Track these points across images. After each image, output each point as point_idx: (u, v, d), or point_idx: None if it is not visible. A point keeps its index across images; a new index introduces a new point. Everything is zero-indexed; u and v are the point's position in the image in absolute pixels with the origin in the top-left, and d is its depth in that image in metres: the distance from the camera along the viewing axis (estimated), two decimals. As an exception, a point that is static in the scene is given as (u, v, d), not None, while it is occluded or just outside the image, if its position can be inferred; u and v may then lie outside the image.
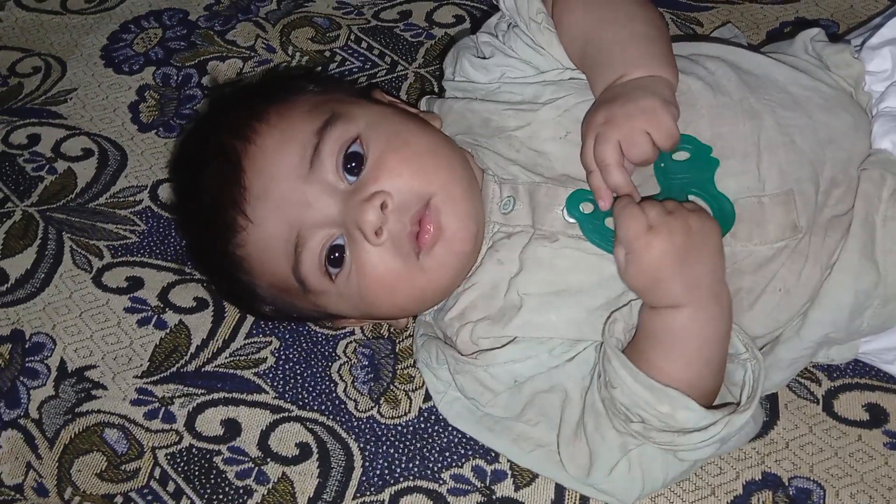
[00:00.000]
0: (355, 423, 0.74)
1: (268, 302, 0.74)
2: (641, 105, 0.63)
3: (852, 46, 0.71)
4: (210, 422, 0.75)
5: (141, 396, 0.76)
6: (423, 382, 0.75)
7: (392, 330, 0.79)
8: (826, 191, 0.65)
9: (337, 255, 0.68)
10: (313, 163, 0.67)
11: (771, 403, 0.72)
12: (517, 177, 0.70)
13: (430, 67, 0.99)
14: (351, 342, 0.79)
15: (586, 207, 0.66)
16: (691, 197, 0.64)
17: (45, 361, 0.79)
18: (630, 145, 0.63)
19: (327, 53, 1.02)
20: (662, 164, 0.65)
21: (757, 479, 0.68)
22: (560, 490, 0.69)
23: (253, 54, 1.03)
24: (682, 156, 0.65)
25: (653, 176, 0.66)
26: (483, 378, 0.68)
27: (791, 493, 0.67)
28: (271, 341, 0.80)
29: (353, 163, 0.68)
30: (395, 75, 0.99)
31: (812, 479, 0.68)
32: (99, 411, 0.75)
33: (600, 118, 0.64)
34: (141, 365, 0.78)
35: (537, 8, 0.71)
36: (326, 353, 0.79)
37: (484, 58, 0.74)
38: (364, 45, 1.03)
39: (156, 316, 0.82)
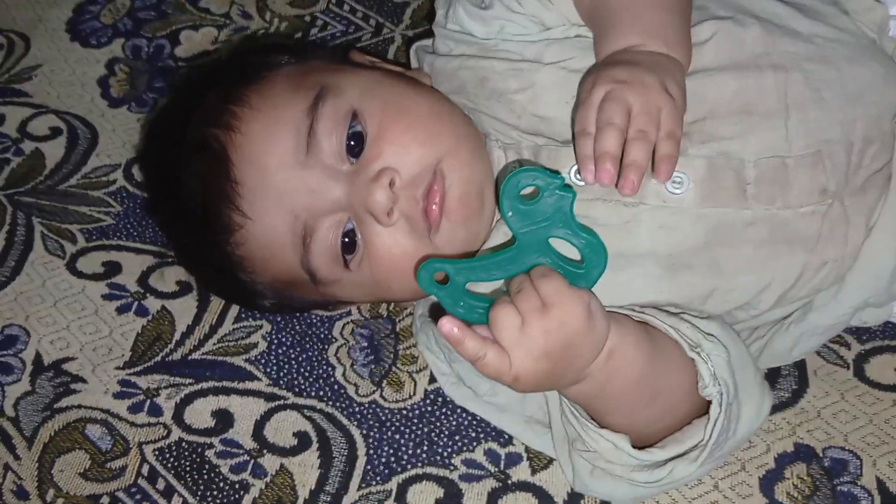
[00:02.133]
0: (357, 409, 0.69)
1: (268, 297, 0.68)
2: (665, 85, 0.56)
3: (874, -10, 0.66)
4: (200, 413, 0.69)
5: (124, 389, 0.71)
6: (428, 363, 0.70)
7: (392, 308, 0.74)
8: (861, 150, 0.61)
9: (347, 240, 0.62)
10: (310, 146, 0.61)
11: (800, 371, 0.68)
12: (519, 141, 0.64)
13: (419, 29, 0.93)
14: (348, 323, 0.74)
15: (440, 277, 0.54)
16: (552, 240, 0.53)
17: (20, 355, 0.73)
18: (642, 113, 0.56)
19: (307, 18, 0.96)
20: (510, 214, 0.52)
21: (789, 451, 0.64)
22: (579, 471, 0.64)
23: (228, 21, 0.97)
24: (531, 191, 0.52)
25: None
26: None
27: (826, 464, 0.63)
28: (262, 325, 0.74)
29: (353, 141, 0.62)
30: (381, 38, 0.93)
31: (847, 448, 0.64)
32: (80, 406, 0.70)
33: (621, 74, 0.57)
34: (122, 355, 0.73)
35: None
36: (322, 336, 0.73)
37: (483, 6, 0.68)
38: (346, 7, 0.97)
39: (136, 302, 0.76)
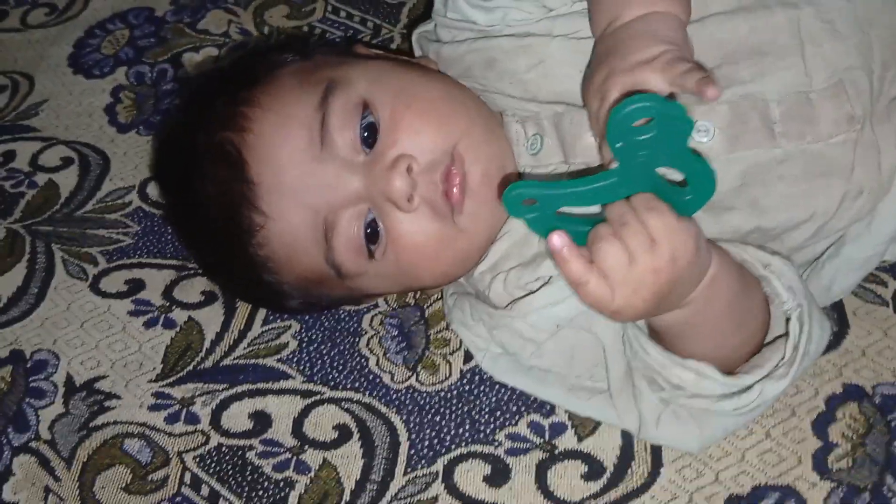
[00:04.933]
0: (394, 396, 0.68)
1: (295, 297, 0.68)
2: (640, 56, 0.55)
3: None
4: (237, 417, 0.69)
5: (159, 401, 0.70)
6: (461, 344, 0.69)
7: (418, 296, 0.74)
8: (880, 76, 0.60)
9: (370, 231, 0.62)
10: (324, 140, 0.61)
11: (839, 313, 0.67)
12: (538, 112, 0.64)
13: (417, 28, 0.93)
14: (376, 315, 0.74)
15: (528, 204, 0.52)
16: (660, 170, 0.51)
17: (51, 378, 0.73)
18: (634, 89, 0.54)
19: (305, 28, 0.97)
20: (620, 144, 0.49)
21: (838, 392, 0.63)
22: (627, 436, 0.63)
23: (227, 40, 0.97)
24: (644, 125, 0.49)
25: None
26: (522, 329, 0.63)
27: (877, 401, 0.62)
28: (290, 325, 0.74)
29: (366, 132, 0.62)
30: (381, 39, 0.94)
31: (896, 383, 0.63)
32: (115, 422, 0.69)
33: (599, 78, 0.56)
34: (154, 368, 0.72)
35: None
36: (352, 329, 0.73)
37: None
38: (343, 14, 0.98)
39: (163, 315, 0.76)
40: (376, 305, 0.74)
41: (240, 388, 0.70)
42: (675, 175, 0.51)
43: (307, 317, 0.74)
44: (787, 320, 0.57)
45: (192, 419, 0.69)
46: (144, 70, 0.97)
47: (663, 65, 0.54)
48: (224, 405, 0.70)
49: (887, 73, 0.60)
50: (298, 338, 0.73)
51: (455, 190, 0.61)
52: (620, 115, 0.48)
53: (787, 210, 0.60)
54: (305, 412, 0.68)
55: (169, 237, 0.81)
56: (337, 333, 0.73)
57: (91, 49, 1.00)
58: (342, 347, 0.72)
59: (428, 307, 0.73)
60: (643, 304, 0.51)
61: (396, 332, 0.72)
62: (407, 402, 0.68)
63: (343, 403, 0.68)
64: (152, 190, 0.85)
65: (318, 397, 0.69)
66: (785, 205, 0.60)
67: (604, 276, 0.50)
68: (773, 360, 0.56)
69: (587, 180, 0.51)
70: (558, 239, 0.49)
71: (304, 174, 0.61)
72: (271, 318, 0.74)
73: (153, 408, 0.70)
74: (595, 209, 0.53)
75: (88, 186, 0.86)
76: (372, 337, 0.72)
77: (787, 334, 0.57)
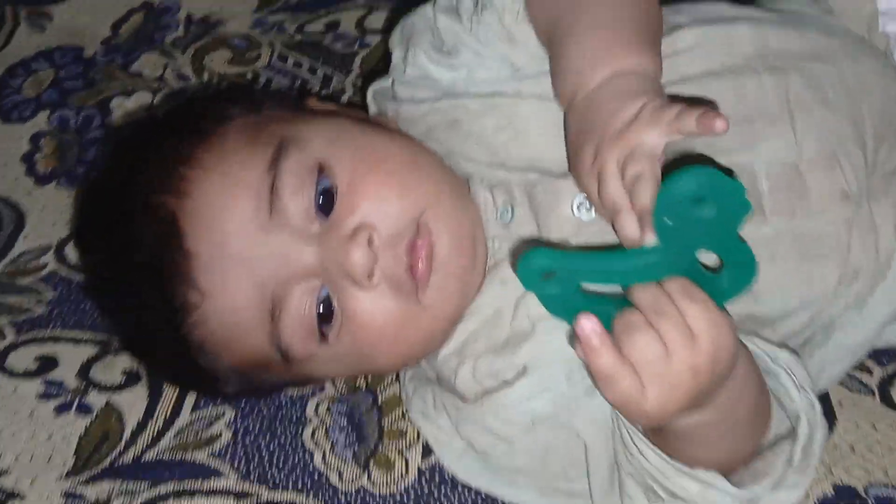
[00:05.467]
0: (343, 500, 0.60)
1: (233, 383, 0.60)
2: (621, 117, 0.49)
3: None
4: (160, 523, 0.60)
5: (69, 501, 0.61)
6: (419, 436, 0.62)
7: (370, 379, 0.66)
8: (874, 149, 0.56)
9: (322, 310, 0.55)
10: (273, 207, 0.54)
11: (824, 404, 0.61)
12: (509, 180, 0.58)
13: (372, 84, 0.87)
14: (322, 400, 0.66)
15: (547, 278, 0.45)
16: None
17: (-58, 474, 0.63)
18: (630, 161, 0.47)
19: (249, 75, 0.90)
20: (671, 222, 0.44)
21: (829, 494, 0.58)
22: (605, 545, 0.56)
23: (163, 85, 0.90)
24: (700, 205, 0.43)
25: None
26: (494, 425, 0.56)
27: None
28: (224, 412, 0.66)
29: (322, 197, 0.55)
30: (331, 90, 0.87)
31: (891, 484, 0.58)
32: (17, 528, 0.60)
33: (587, 156, 0.50)
34: (65, 462, 0.63)
35: None
36: (294, 418, 0.65)
37: (445, 50, 0.61)
38: (291, 61, 0.91)
39: (77, 399, 0.67)
40: (322, 388, 0.66)
41: (164, 488, 0.62)
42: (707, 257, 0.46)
43: (243, 403, 0.66)
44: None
45: (108, 525, 0.60)
46: (69, 115, 0.88)
47: (650, 116, 0.48)
48: (145, 507, 0.61)
49: (881, 146, 0.56)
50: (233, 427, 0.65)
51: (421, 264, 0.54)
52: (678, 191, 0.42)
53: (781, 296, 0.55)
54: (240, 517, 0.60)
55: (88, 307, 0.72)
56: (277, 423, 0.65)
57: (11, 91, 0.91)
58: (283, 439, 0.64)
59: (381, 391, 0.66)
60: (676, 407, 0.44)
61: (346, 422, 0.64)
62: (357, 505, 0.60)
63: (283, 507, 0.60)
64: (71, 251, 0.76)
65: (253, 499, 0.61)
66: (778, 290, 0.54)
67: (635, 373, 0.43)
68: (777, 466, 0.51)
69: (618, 256, 0.45)
70: (588, 324, 0.43)
71: (249, 245, 0.54)
72: (202, 403, 0.66)
73: (62, 510, 0.61)
74: (616, 287, 0.47)
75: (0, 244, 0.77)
76: (317, 427, 0.64)
77: (789, 436, 0.51)
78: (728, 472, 0.51)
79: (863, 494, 0.58)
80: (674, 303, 0.44)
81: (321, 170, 0.55)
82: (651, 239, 0.44)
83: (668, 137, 0.47)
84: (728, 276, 0.45)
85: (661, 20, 0.56)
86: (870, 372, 0.64)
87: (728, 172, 0.43)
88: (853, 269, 0.55)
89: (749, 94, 0.56)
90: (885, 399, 0.62)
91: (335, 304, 0.55)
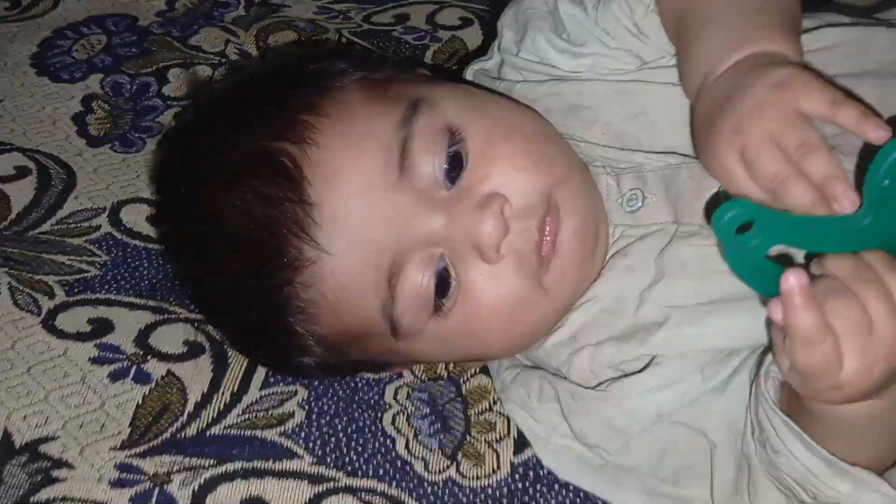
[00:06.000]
0: (429, 490, 0.56)
1: (316, 355, 0.56)
2: (764, 84, 0.47)
3: None
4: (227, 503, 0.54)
5: (123, 475, 0.55)
6: (509, 430, 0.58)
7: (452, 368, 0.62)
8: None
9: (440, 281, 0.52)
10: (403, 166, 0.51)
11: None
12: (642, 164, 0.55)
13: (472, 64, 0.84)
14: (402, 386, 0.61)
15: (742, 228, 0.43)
16: None
17: (-17, 433, 0.57)
18: (789, 129, 0.45)
19: (317, 58, 0.87)
20: (888, 182, 0.42)
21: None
22: (713, 554, 0.53)
23: (224, 60, 0.86)
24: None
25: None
26: (613, 417, 0.52)
27: None
28: (296, 390, 0.61)
29: (450, 163, 0.52)
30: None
31: None
32: (65, 499, 0.54)
33: (724, 134, 0.47)
34: (119, 432, 0.58)
35: None
36: (372, 402, 0.60)
37: (568, 38, 0.59)
38: (359, 48, 0.88)
39: (135, 366, 0.61)
40: (401, 375, 0.62)
41: (231, 466, 0.56)
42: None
43: (316, 382, 0.61)
44: None
45: (168, 502, 0.54)
46: (123, 81, 0.84)
47: (804, 83, 0.46)
48: (210, 486, 0.55)
49: None
50: (306, 408, 0.60)
51: (548, 242, 0.51)
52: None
53: None
54: (315, 502, 0.55)
55: (146, 272, 0.67)
56: (354, 406, 0.60)
57: (60, 51, 0.87)
58: (361, 423, 0.59)
59: (465, 382, 0.62)
60: (872, 384, 0.42)
61: (428, 410, 0.60)
62: (446, 498, 0.55)
63: (364, 494, 0.55)
64: (127, 215, 0.72)
65: (331, 484, 0.56)
66: None
67: (836, 339, 0.41)
68: None
69: (824, 220, 0.43)
70: (797, 279, 0.40)
71: (375, 203, 0.51)
72: (272, 379, 0.61)
73: (116, 483, 0.55)
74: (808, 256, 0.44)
75: (48, 203, 0.72)
76: (398, 413, 0.60)
77: None
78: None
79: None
80: (878, 274, 0.41)
81: (454, 134, 0.52)
82: (853, 203, 0.42)
83: (823, 115, 0.45)
84: None
85: (800, 10, 0.55)
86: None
87: None
88: None
89: (890, 99, 0.54)
90: None
91: (453, 275, 0.52)
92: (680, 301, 0.52)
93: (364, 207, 0.51)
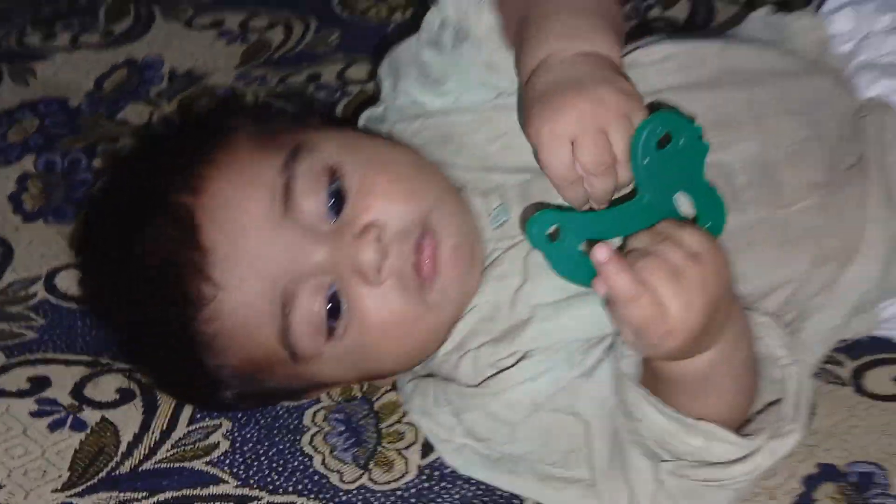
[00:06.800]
0: (344, 498, 0.61)
1: (233, 386, 0.61)
2: (614, 89, 0.53)
3: (809, 12, 0.70)
4: (160, 530, 0.60)
5: (64, 513, 0.61)
6: (417, 437, 0.64)
7: (365, 388, 0.68)
8: (833, 147, 0.62)
9: (331, 306, 0.57)
10: (287, 205, 0.57)
11: (803, 393, 0.66)
12: (503, 183, 0.62)
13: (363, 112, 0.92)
14: (319, 409, 0.67)
15: (553, 234, 0.51)
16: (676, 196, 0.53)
17: (-68, 491, 0.62)
18: (621, 132, 0.51)
19: (235, 120, 0.94)
20: (647, 160, 0.51)
21: (814, 472, 0.61)
22: (603, 529, 0.58)
23: (149, 131, 0.93)
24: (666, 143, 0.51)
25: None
26: (497, 410, 0.58)
27: (853, 479, 0.60)
28: (221, 424, 0.66)
29: (333, 198, 0.58)
30: (315, 132, 0.92)
31: (869, 461, 0.61)
32: (11, 541, 0.59)
33: (568, 111, 0.52)
34: (60, 476, 0.63)
35: (489, 25, 0.63)
36: (292, 426, 0.66)
37: (432, 78, 0.66)
38: (275, 107, 0.95)
39: (71, 416, 0.67)
40: (318, 400, 0.68)
41: (162, 497, 0.62)
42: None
43: (239, 414, 0.67)
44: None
45: (105, 534, 0.59)
46: (55, 159, 0.90)
47: (625, 101, 0.52)
48: (144, 516, 0.61)
49: (840, 143, 0.62)
50: (230, 437, 0.65)
51: (427, 262, 0.57)
52: (649, 131, 0.49)
53: (760, 277, 0.59)
54: (241, 521, 0.60)
55: (79, 331, 0.73)
56: (275, 431, 0.66)
57: (-4, 136, 0.93)
58: (281, 446, 0.65)
59: (377, 399, 0.67)
60: (697, 321, 0.48)
61: (343, 428, 0.65)
62: (360, 503, 0.61)
63: (285, 509, 0.61)
64: (60, 281, 0.78)
65: (255, 503, 0.61)
66: (758, 272, 0.59)
67: (654, 293, 0.47)
68: (770, 421, 0.54)
69: (612, 210, 0.51)
70: (605, 251, 0.46)
71: (263, 241, 0.56)
72: (198, 417, 0.67)
73: (57, 522, 0.60)
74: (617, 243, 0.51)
75: (-14, 276, 0.78)
76: (316, 433, 0.65)
77: (777, 401, 0.55)
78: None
79: (845, 471, 0.61)
80: (670, 235, 0.49)
81: (332, 173, 0.59)
82: (627, 176, 0.50)
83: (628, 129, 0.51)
84: (704, 221, 0.52)
85: (623, 20, 0.62)
86: (842, 365, 0.68)
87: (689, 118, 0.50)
88: (823, 252, 0.60)
89: (719, 105, 0.61)
90: (859, 388, 0.66)
91: (343, 300, 0.58)
92: (543, 299, 0.58)
93: (254, 245, 0.56)
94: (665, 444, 0.53)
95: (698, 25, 0.97)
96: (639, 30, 0.98)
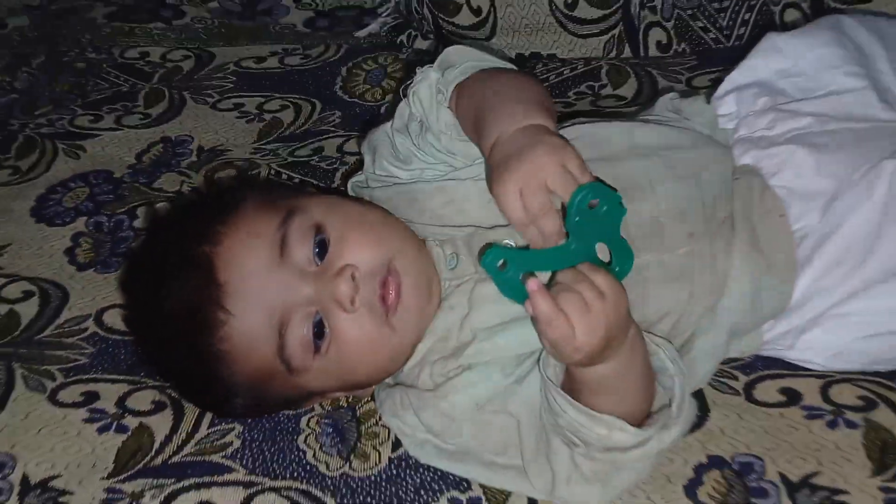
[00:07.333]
0: (329, 482, 0.77)
1: (242, 395, 0.77)
2: (546, 147, 0.68)
3: (702, 96, 0.88)
4: (184, 507, 0.76)
5: (110, 496, 0.77)
6: (390, 436, 0.79)
7: (350, 399, 0.84)
8: (711, 204, 0.78)
9: (317, 329, 0.74)
10: (283, 252, 0.75)
11: (700, 402, 0.80)
12: (454, 235, 0.79)
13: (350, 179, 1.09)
14: (313, 417, 0.83)
15: (501, 265, 0.66)
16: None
17: (7, 479, 0.78)
18: (558, 180, 0.66)
19: (250, 188, 1.12)
20: (578, 219, 0.66)
21: (704, 462, 0.75)
22: (533, 502, 0.73)
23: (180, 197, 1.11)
24: (595, 205, 0.66)
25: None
26: (445, 409, 0.74)
27: (736, 467, 0.75)
28: (234, 427, 0.82)
29: (318, 247, 0.76)
30: (317, 195, 1.09)
31: (751, 453, 0.76)
32: (69, 515, 0.75)
33: (515, 173, 0.67)
34: (106, 468, 0.79)
35: (446, 121, 0.78)
36: (291, 429, 0.82)
37: (401, 158, 0.83)
38: (284, 176, 1.13)
39: (115, 422, 0.83)
40: (312, 409, 0.84)
41: (187, 482, 0.78)
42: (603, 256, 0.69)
43: (250, 420, 0.83)
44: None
45: (142, 511, 0.75)
46: (102, 220, 1.08)
47: (571, 160, 0.68)
48: (172, 497, 0.76)
49: (717, 202, 0.79)
50: (242, 437, 0.81)
51: (390, 295, 0.74)
52: (581, 197, 0.65)
53: (649, 306, 0.75)
54: (248, 500, 0.76)
55: (122, 357, 0.90)
56: (277, 433, 0.82)
57: (53, 203, 1.12)
58: (282, 444, 0.81)
59: (359, 408, 0.83)
60: (598, 343, 0.64)
61: (331, 430, 0.82)
62: (341, 486, 0.76)
63: (283, 491, 0.76)
64: (107, 318, 0.95)
65: (259, 487, 0.77)
66: (647, 302, 0.75)
67: (568, 318, 0.63)
68: (662, 418, 0.70)
69: (548, 250, 0.67)
70: (535, 282, 0.64)
71: (264, 280, 0.74)
72: (216, 421, 0.83)
73: (104, 502, 0.76)
74: (546, 278, 0.68)
75: (48, 315, 0.95)
76: (309, 435, 0.81)
77: (667, 405, 0.70)
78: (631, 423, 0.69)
79: (729, 461, 0.76)
80: (586, 276, 0.65)
81: (318, 228, 0.76)
82: (562, 234, 0.67)
83: (576, 175, 0.68)
84: (616, 265, 0.69)
85: (549, 98, 0.79)
86: (737, 379, 0.83)
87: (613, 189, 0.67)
88: (698, 288, 0.76)
89: (619, 175, 0.77)
90: (749, 398, 0.81)
91: (326, 325, 0.75)
92: (483, 324, 0.75)
93: (257, 282, 0.74)
94: (577, 433, 0.69)
95: (643, 102, 1.15)
96: (593, 104, 1.17)
